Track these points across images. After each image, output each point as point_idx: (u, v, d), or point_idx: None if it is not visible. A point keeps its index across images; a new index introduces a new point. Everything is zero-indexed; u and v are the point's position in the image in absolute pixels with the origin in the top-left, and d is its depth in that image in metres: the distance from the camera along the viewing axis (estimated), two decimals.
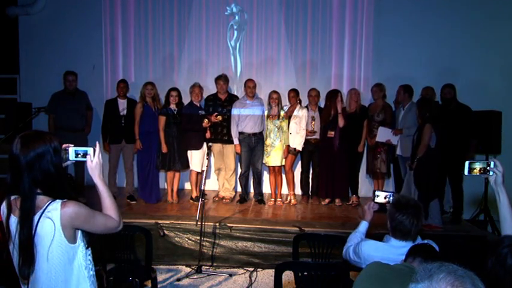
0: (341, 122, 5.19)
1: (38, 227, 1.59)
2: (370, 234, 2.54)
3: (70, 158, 1.72)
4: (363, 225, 2.54)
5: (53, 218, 1.59)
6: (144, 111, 5.26)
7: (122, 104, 5.47)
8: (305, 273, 2.72)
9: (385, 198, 2.50)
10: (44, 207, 1.60)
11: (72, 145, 1.73)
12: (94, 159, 1.74)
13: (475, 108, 5.00)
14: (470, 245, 4.29)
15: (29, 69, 6.40)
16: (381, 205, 2.53)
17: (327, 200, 5.48)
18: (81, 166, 5.32)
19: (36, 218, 1.59)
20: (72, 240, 1.64)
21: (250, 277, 4.13)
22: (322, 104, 5.60)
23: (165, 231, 4.41)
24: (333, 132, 5.25)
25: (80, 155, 1.73)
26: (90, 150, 1.74)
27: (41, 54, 6.33)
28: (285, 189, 5.71)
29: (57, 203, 1.61)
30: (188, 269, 4.27)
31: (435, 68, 5.72)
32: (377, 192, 2.53)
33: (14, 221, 1.62)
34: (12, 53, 6.41)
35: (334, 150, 5.26)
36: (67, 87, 5.43)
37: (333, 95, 5.29)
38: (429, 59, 5.80)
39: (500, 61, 5.77)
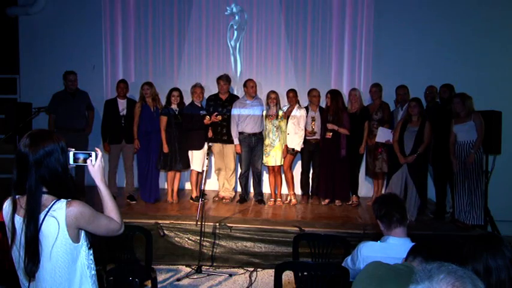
0: (344, 131, 5.22)
1: (42, 226, 1.59)
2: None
3: (70, 162, 1.72)
4: None
5: (57, 217, 1.60)
6: (143, 111, 5.25)
7: (122, 104, 5.47)
8: (305, 273, 2.71)
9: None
10: (49, 206, 1.61)
11: (73, 149, 1.74)
12: (96, 163, 1.75)
13: (475, 108, 4.98)
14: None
15: (29, 69, 6.39)
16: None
17: (327, 200, 5.47)
18: (81, 166, 5.30)
19: (41, 216, 1.60)
20: (76, 239, 1.65)
21: (250, 277, 4.14)
22: (322, 104, 5.59)
23: (165, 231, 4.41)
24: (330, 134, 5.26)
25: (79, 160, 1.74)
26: (92, 154, 1.74)
27: (41, 54, 6.33)
28: (284, 189, 5.71)
29: (62, 202, 1.62)
30: (188, 269, 4.27)
31: (435, 68, 5.71)
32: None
33: (18, 220, 1.62)
34: (12, 53, 6.41)
35: (334, 151, 5.27)
36: (68, 87, 5.43)
37: (336, 95, 5.31)
38: (429, 58, 5.80)
39: (501, 61, 5.77)
